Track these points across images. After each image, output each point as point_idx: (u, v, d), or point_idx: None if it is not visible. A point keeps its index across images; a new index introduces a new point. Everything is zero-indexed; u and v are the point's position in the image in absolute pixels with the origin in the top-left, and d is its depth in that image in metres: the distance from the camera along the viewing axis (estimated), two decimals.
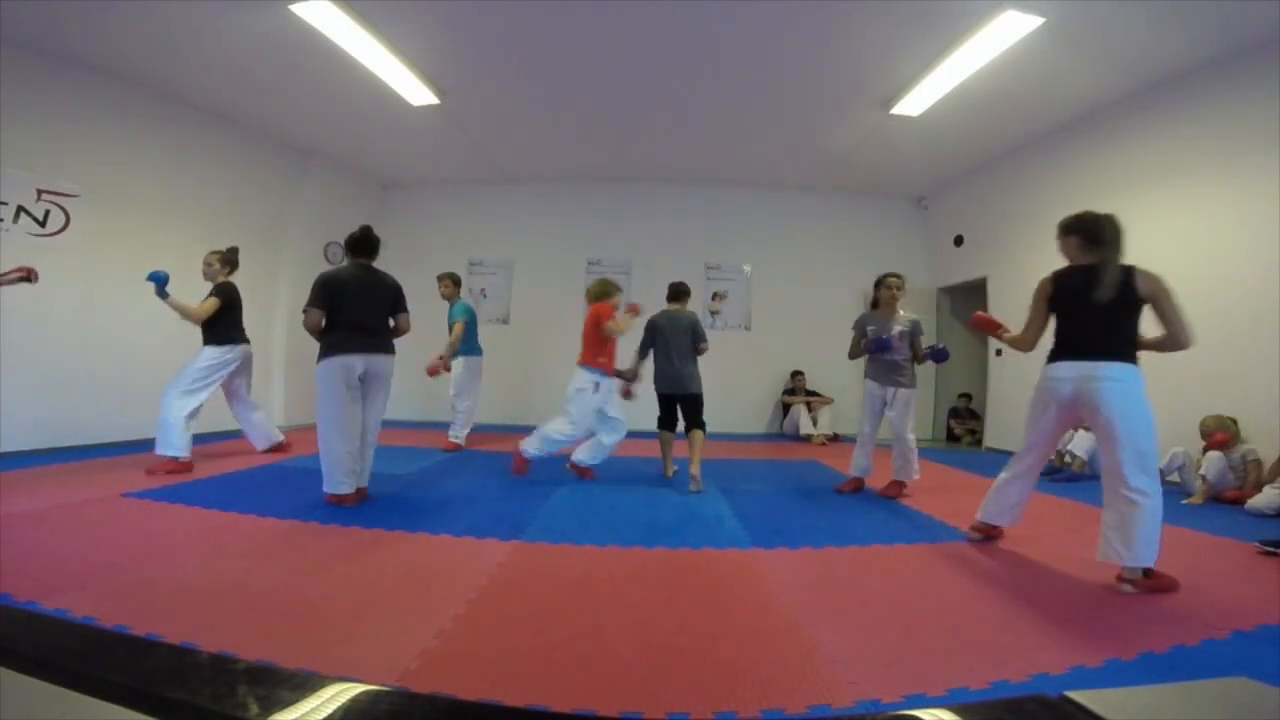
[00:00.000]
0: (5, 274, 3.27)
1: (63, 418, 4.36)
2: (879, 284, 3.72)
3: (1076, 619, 1.89)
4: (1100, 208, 2.40)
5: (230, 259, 4.00)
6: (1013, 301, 6.02)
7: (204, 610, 1.79)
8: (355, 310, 3.01)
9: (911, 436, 3.60)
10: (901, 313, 3.64)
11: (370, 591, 1.98)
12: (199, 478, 3.57)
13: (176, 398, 3.69)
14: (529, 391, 7.10)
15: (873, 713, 1.45)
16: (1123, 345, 2.26)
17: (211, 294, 3.84)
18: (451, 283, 5.11)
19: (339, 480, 2.98)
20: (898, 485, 3.66)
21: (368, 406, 3.11)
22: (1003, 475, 2.65)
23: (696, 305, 6.93)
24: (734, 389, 6.94)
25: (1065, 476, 4.50)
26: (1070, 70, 4.28)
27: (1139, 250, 4.37)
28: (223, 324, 3.86)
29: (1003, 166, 6.06)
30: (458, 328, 4.86)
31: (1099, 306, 2.25)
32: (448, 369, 4.84)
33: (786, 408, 6.99)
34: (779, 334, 7.26)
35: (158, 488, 3.26)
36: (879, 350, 3.56)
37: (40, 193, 4.26)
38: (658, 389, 3.93)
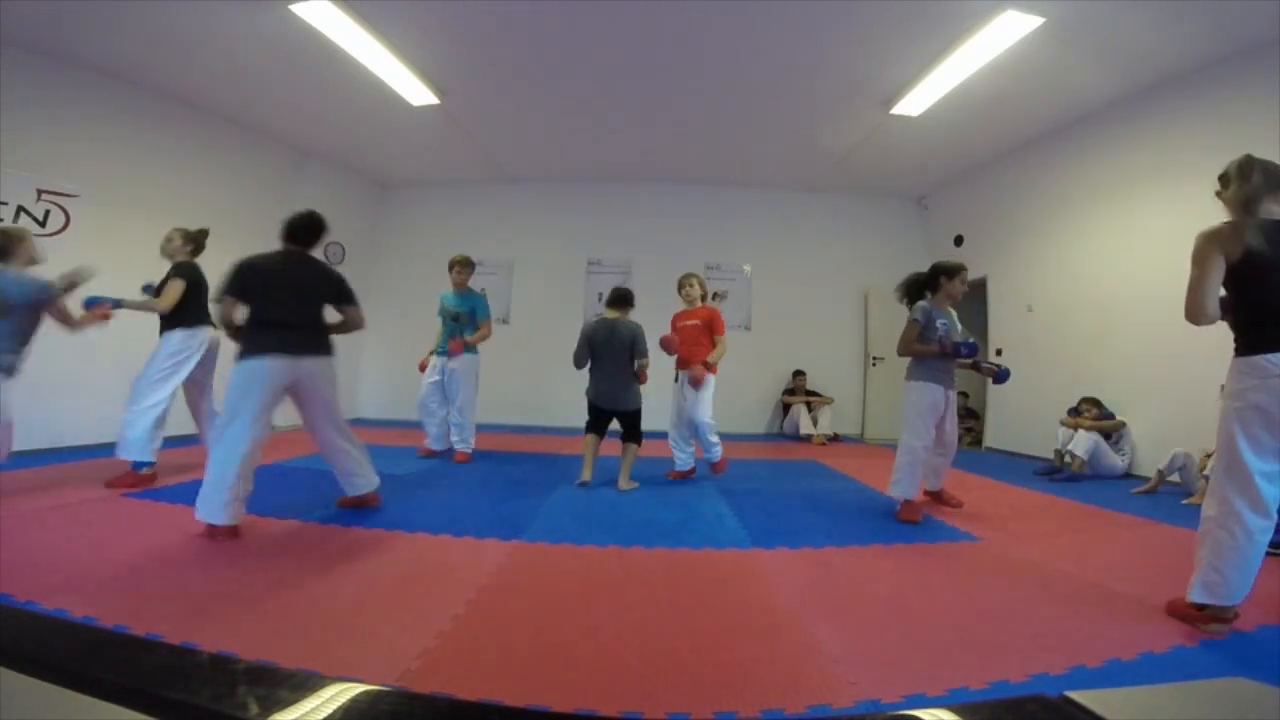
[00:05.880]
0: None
1: (63, 418, 4.35)
2: (951, 272, 3.18)
3: (1077, 619, 1.89)
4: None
5: (196, 239, 3.55)
6: (1013, 301, 6.08)
7: (204, 610, 1.79)
8: (276, 305, 2.52)
9: None
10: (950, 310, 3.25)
11: (370, 591, 1.99)
12: (199, 478, 3.55)
13: (143, 392, 3.24)
14: (529, 392, 7.10)
15: (873, 713, 1.45)
16: None
17: (172, 275, 3.33)
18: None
19: (216, 504, 2.36)
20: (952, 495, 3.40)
21: (309, 413, 2.72)
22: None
23: None
24: (734, 389, 6.91)
25: (1065, 476, 4.50)
26: (1070, 70, 4.27)
27: (1138, 249, 4.45)
28: (189, 306, 3.35)
29: (1002, 166, 6.06)
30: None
31: None
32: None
33: (786, 408, 6.99)
34: (779, 334, 7.25)
35: (158, 488, 3.25)
36: (969, 354, 3.08)
37: (40, 193, 4.25)
38: (590, 400, 3.72)
